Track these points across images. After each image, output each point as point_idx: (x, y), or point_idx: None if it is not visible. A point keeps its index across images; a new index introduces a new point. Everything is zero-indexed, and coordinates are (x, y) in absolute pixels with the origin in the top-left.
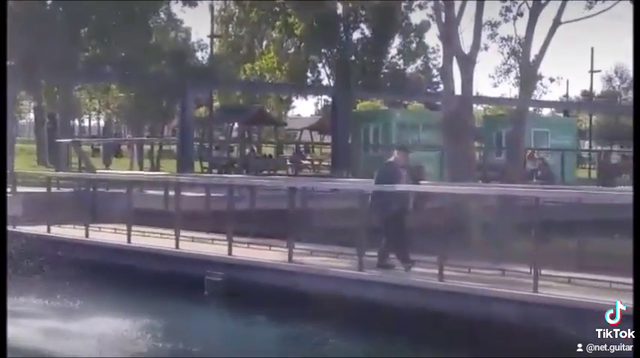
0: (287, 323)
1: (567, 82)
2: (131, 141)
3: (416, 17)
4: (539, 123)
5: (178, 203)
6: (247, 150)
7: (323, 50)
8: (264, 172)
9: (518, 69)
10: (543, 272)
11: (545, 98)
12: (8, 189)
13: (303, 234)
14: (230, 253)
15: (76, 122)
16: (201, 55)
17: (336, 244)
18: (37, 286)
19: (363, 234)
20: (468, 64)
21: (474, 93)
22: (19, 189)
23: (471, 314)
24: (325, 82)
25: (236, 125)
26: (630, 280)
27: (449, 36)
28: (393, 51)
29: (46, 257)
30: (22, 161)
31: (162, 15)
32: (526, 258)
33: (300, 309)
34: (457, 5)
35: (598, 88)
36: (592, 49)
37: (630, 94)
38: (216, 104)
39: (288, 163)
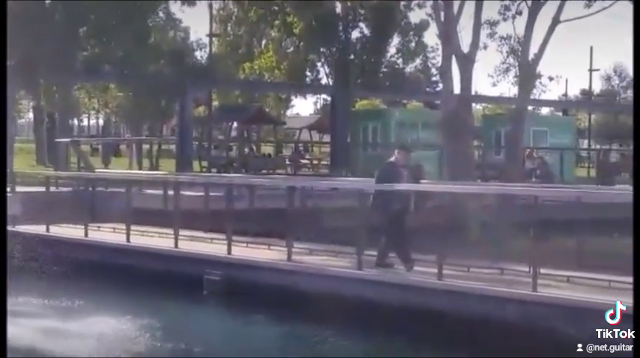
0: (286, 322)
1: (566, 80)
2: (130, 141)
3: (415, 16)
4: (538, 122)
5: (177, 202)
6: (246, 150)
7: (322, 49)
8: (263, 171)
9: (517, 68)
10: (542, 271)
11: (544, 97)
12: (7, 189)
13: (302, 233)
14: (229, 252)
15: (75, 121)
16: (200, 55)
17: (335, 243)
18: (36, 285)
19: (362, 233)
20: (467, 62)
21: (473, 92)
22: (18, 188)
23: (469, 313)
24: (324, 81)
25: (235, 124)
26: (629, 279)
27: (448, 35)
28: (392, 50)
29: (45, 256)
30: (21, 160)
31: (161, 14)
32: (525, 257)
33: (299, 308)
34: (456, 4)
35: (597, 87)
36: (591, 48)
37: (629, 93)
38: (215, 103)
39: (287, 162)
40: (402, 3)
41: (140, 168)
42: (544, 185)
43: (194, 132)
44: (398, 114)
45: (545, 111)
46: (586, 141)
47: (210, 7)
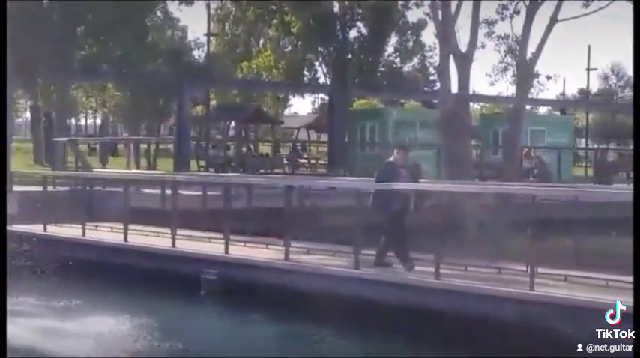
0: (283, 322)
1: (564, 80)
2: (128, 140)
3: (413, 15)
4: (535, 122)
5: (175, 202)
6: (244, 149)
7: (320, 48)
8: (261, 171)
9: (514, 67)
10: (540, 270)
11: (541, 96)
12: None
13: (299, 232)
14: (227, 252)
15: (73, 121)
16: (198, 54)
17: (332, 242)
18: (33, 285)
19: (360, 233)
20: (464, 62)
21: (471, 92)
22: (16, 188)
23: (467, 312)
24: (322, 80)
25: (233, 123)
26: (626, 278)
27: (446, 34)
28: (389, 49)
29: (42, 256)
30: (18, 160)
31: (158, 13)
32: (522, 256)
33: (297, 308)
34: (454, 3)
35: (594, 86)
36: (589, 47)
37: (627, 92)
38: (212, 103)
39: (285, 162)
40: (400, 2)
41: (138, 168)
42: (541, 184)
43: (192, 132)
44: (395, 114)
45: (542, 110)
46: (583, 141)
47: (208, 6)
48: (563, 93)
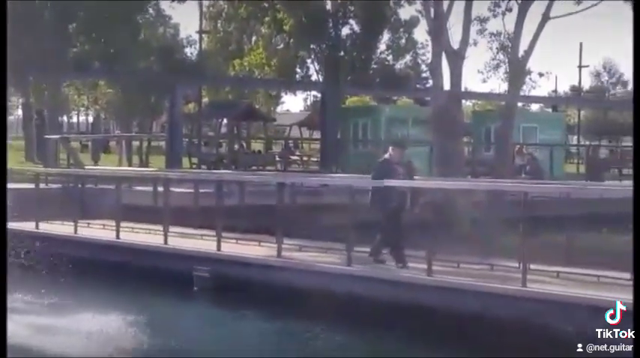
0: (276, 319)
1: (556, 77)
2: (120, 137)
3: (405, 13)
4: (527, 119)
5: (167, 199)
6: (236, 146)
7: (312, 46)
8: (253, 168)
9: (507, 64)
10: (532, 266)
11: (533, 93)
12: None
13: (291, 229)
14: (219, 249)
15: (65, 118)
16: (190, 51)
17: (324, 239)
18: (25, 283)
19: (352, 230)
20: (457, 59)
21: (463, 89)
22: (8, 185)
23: (459, 309)
24: (314, 77)
25: (225, 121)
26: (618, 274)
27: (438, 31)
28: (382, 46)
29: (34, 253)
30: (10, 157)
31: (150, 11)
32: (515, 253)
33: (289, 304)
34: (446, 1)
35: (586, 83)
36: (580, 45)
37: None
38: (205, 100)
39: (277, 159)
40: (392, 0)
41: (130, 165)
42: (534, 181)
43: (184, 129)
44: (388, 111)
45: (534, 107)
46: (575, 138)
47: (200, 4)
48: (555, 91)
